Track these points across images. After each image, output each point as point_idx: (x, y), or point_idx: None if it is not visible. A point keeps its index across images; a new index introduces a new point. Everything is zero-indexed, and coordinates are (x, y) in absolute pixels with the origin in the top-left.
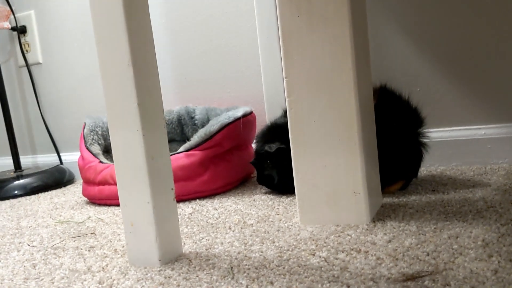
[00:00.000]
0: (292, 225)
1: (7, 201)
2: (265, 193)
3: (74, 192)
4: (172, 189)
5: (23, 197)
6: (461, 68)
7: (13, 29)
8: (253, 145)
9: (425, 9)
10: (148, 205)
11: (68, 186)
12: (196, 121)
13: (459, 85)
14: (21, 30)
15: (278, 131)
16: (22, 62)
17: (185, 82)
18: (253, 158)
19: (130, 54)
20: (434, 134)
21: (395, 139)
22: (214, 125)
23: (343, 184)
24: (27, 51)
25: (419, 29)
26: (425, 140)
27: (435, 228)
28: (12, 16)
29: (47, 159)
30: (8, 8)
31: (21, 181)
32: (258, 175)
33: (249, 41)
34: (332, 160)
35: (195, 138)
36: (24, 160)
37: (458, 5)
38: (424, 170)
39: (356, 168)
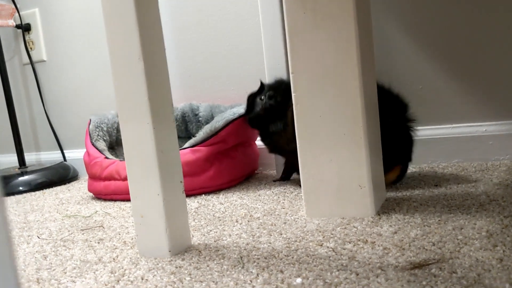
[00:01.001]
0: (298, 218)
1: (12, 197)
2: (270, 188)
3: (79, 188)
4: (181, 182)
5: (28, 193)
6: (463, 66)
7: (17, 27)
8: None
9: (427, 9)
10: (158, 197)
11: (72, 183)
12: (200, 118)
13: (461, 82)
14: (25, 28)
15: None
16: (27, 59)
17: (189, 79)
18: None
19: (141, 48)
20: (437, 131)
21: (386, 127)
22: (219, 121)
23: (348, 178)
24: (31, 48)
25: (421, 28)
26: (413, 124)
27: (439, 220)
28: (16, 14)
29: (51, 156)
30: (13, 6)
31: (26, 178)
32: (247, 105)
33: (253, 39)
34: (338, 154)
35: (201, 134)
36: (28, 157)
37: (460, 4)
38: (426, 166)
39: (361, 162)
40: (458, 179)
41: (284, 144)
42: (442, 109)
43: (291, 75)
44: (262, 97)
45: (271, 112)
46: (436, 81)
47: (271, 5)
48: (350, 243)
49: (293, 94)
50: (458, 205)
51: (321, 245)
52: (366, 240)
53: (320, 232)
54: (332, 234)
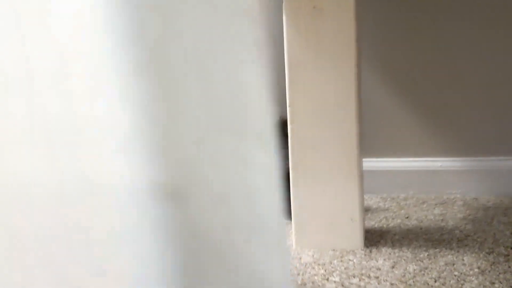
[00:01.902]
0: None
1: None
2: None
3: None
4: None
5: None
6: (422, 104)
7: None
8: None
9: (388, 45)
10: None
11: None
12: None
13: (419, 118)
14: None
15: None
16: None
17: None
18: None
19: None
20: (395, 163)
21: None
22: None
23: (340, 211)
24: None
25: (381, 62)
26: None
27: (428, 255)
28: None
29: None
30: None
31: None
32: None
33: None
34: (331, 187)
35: None
36: None
37: (419, 42)
38: (387, 196)
39: (354, 196)
40: (423, 212)
41: None
42: (400, 142)
43: (288, 108)
44: None
45: None
46: (396, 116)
47: None
48: (354, 277)
49: (289, 126)
50: (438, 239)
51: (327, 279)
52: (369, 275)
53: (319, 265)
54: (332, 267)
